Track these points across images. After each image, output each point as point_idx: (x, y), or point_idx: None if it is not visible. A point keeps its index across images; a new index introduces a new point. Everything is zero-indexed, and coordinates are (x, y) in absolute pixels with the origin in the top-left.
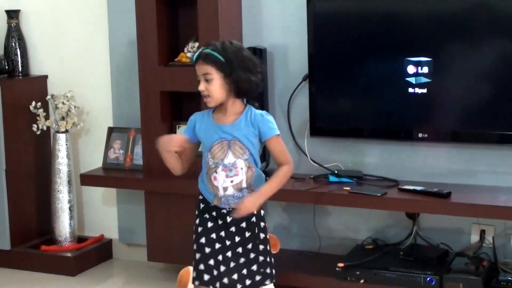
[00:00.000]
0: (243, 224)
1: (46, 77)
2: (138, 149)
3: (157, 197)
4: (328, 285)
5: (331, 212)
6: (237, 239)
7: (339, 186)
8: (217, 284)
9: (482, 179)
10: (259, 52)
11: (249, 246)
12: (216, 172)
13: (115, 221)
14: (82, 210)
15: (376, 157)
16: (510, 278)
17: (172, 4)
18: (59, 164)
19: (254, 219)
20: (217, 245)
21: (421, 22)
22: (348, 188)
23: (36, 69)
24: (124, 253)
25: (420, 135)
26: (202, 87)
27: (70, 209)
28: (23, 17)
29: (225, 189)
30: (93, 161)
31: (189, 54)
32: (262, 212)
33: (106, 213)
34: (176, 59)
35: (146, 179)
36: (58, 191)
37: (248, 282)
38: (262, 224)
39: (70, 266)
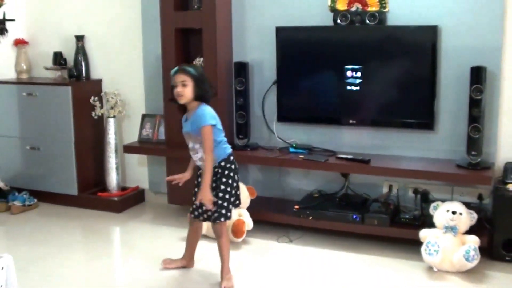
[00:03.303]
0: (213, 178)
1: (101, 80)
2: (162, 129)
3: (174, 161)
4: (288, 220)
5: (291, 172)
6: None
7: (296, 155)
8: (201, 218)
9: (391, 151)
10: (243, 65)
11: (220, 195)
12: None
13: (146, 176)
14: (125, 169)
15: (322, 136)
16: (407, 216)
17: (185, 32)
18: (109, 138)
19: (220, 175)
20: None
21: (354, 44)
22: (302, 156)
23: (94, 75)
24: (152, 198)
25: (351, 121)
26: (179, 89)
27: (116, 169)
28: (86, 40)
29: (195, 161)
30: (132, 136)
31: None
32: (226, 172)
33: (141, 171)
34: None
35: (167, 149)
36: (109, 156)
37: (211, 218)
38: (223, 179)
39: (116, 206)
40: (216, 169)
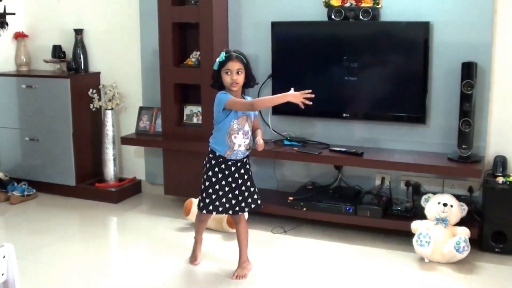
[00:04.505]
0: (242, 171)
1: (99, 73)
2: (159, 121)
3: (171, 153)
4: (283, 211)
5: (285, 164)
6: (240, 181)
7: (291, 147)
8: (230, 211)
9: (383, 144)
10: None
11: (249, 184)
12: (238, 133)
13: (143, 168)
14: (122, 160)
15: (315, 129)
16: (399, 208)
17: (182, 26)
18: (107, 130)
19: (247, 166)
20: (226, 189)
21: (348, 39)
22: (296, 149)
23: (93, 68)
24: (149, 189)
25: (344, 115)
26: (235, 77)
27: (114, 160)
28: (85, 34)
29: (239, 145)
30: (129, 128)
31: (193, 59)
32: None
33: (138, 163)
34: (184, 62)
35: (164, 141)
36: (106, 148)
37: (253, 206)
38: (250, 171)
39: (113, 197)
40: (245, 160)
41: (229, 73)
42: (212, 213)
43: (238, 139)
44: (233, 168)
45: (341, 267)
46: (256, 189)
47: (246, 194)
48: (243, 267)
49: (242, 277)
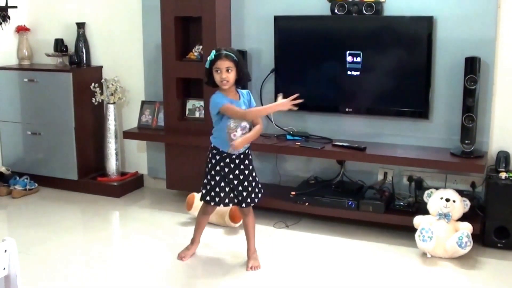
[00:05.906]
0: (247, 162)
1: (101, 67)
2: (161, 115)
3: (173, 147)
4: (285, 206)
5: (288, 159)
6: (246, 172)
7: (293, 142)
8: (238, 204)
9: (386, 139)
10: (242, 53)
11: (254, 174)
12: (236, 131)
13: (146, 162)
14: (124, 154)
15: (318, 123)
16: (402, 203)
17: (185, 20)
18: (109, 124)
19: (250, 157)
20: (235, 182)
21: (351, 34)
22: (299, 143)
23: (95, 62)
24: (151, 183)
25: (347, 109)
26: (225, 75)
27: (116, 154)
28: (87, 27)
29: None
30: (131, 123)
31: (196, 53)
32: (251, 156)
33: (140, 157)
34: (187, 57)
35: (166, 135)
36: (109, 142)
37: (256, 200)
38: (252, 162)
39: (116, 191)
40: (247, 151)
41: (218, 71)
42: (219, 205)
43: (237, 136)
44: (237, 161)
45: (343, 262)
46: (259, 183)
47: (250, 188)
48: (255, 258)
49: (256, 268)
